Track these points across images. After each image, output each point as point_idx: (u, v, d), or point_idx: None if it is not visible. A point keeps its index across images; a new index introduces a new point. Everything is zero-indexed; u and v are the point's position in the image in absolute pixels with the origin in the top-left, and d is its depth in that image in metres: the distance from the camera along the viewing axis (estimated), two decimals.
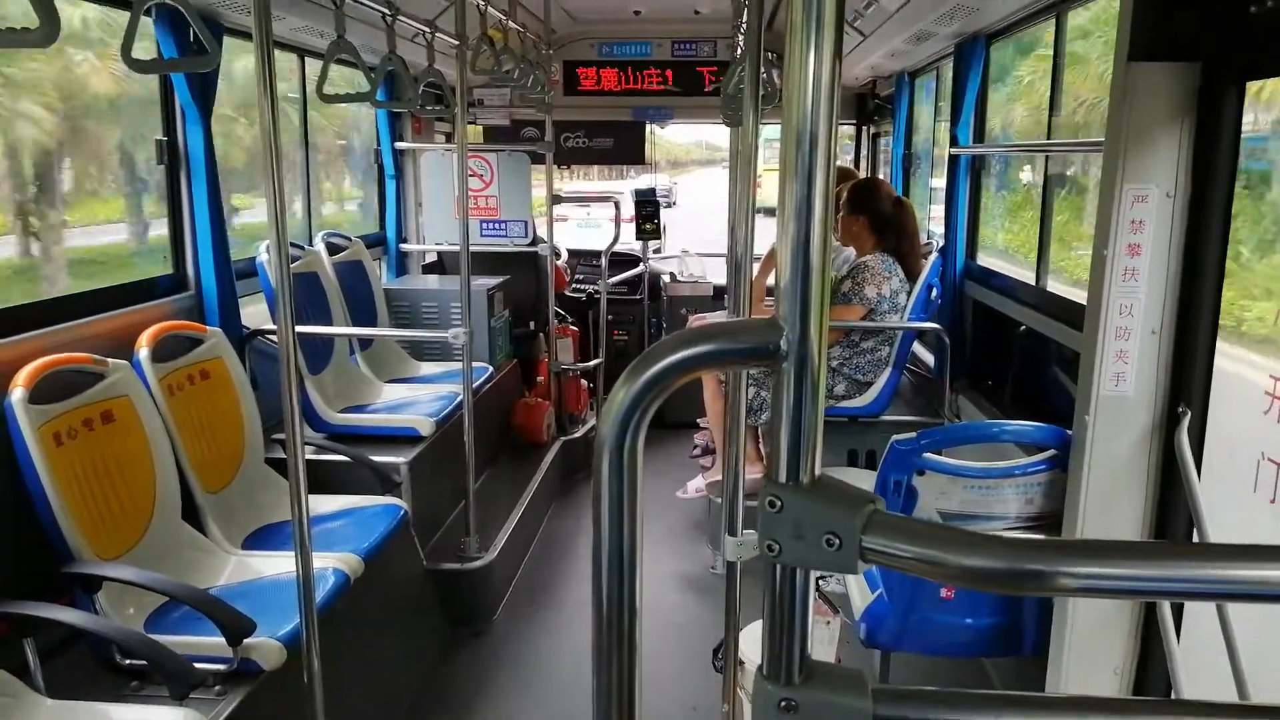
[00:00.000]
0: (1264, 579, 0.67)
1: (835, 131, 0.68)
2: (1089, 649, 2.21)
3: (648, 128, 6.39)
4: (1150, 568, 0.67)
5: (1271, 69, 1.86)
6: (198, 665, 2.15)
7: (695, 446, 4.97)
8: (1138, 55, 1.95)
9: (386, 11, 3.11)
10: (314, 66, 4.18)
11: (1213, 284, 1.98)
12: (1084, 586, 0.68)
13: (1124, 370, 2.09)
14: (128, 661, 2.24)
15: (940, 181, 4.62)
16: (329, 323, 3.96)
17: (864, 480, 3.01)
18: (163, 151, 3.24)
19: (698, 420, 5.00)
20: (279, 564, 2.68)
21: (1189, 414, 1.99)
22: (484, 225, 5.34)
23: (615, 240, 5.86)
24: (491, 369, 4.74)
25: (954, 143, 4.07)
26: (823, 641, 2.48)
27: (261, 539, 2.95)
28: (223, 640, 2.19)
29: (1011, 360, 3.72)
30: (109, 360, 2.58)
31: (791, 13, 0.66)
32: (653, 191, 6.43)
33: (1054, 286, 3.37)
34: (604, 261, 5.83)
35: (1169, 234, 2.02)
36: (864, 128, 6.52)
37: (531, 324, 5.59)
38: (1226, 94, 1.92)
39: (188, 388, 2.91)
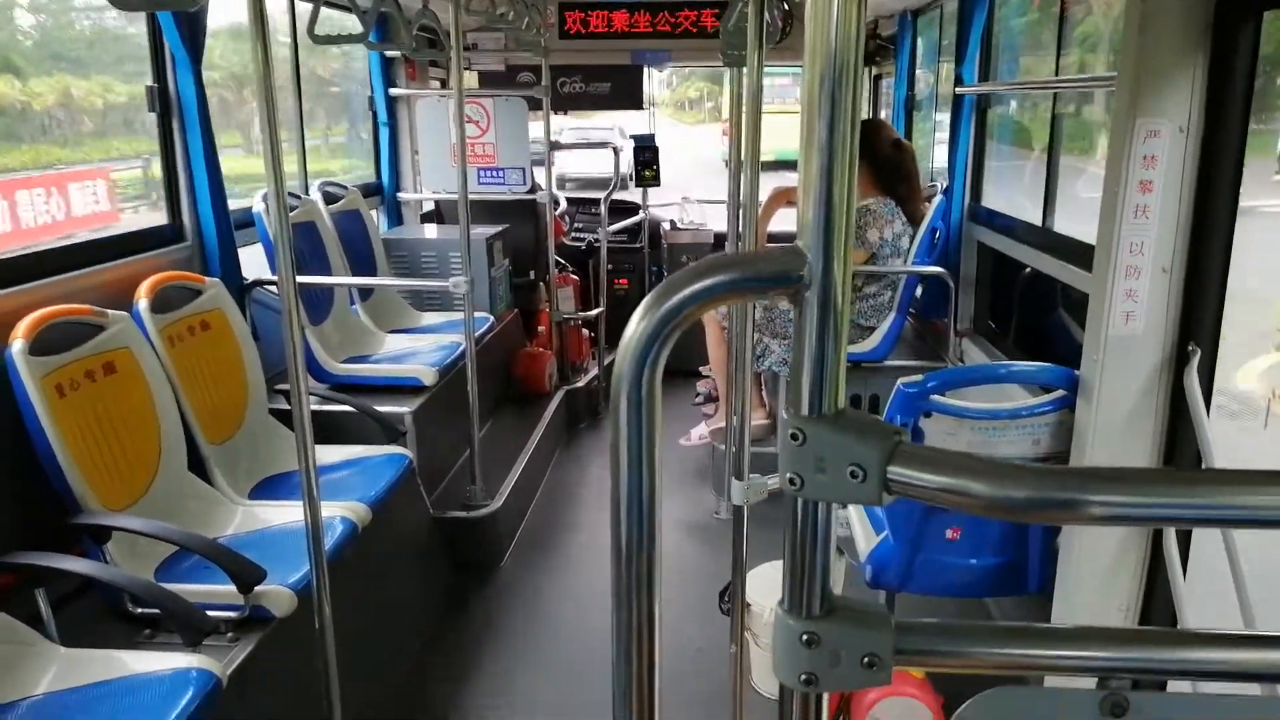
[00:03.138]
0: None
1: (860, 63, 0.66)
2: (1095, 586, 2.23)
3: (645, 71, 6.28)
4: (1177, 494, 0.66)
5: None
6: (210, 613, 2.16)
7: (698, 394, 4.97)
8: None
9: None
10: (304, 10, 4.09)
11: (1225, 222, 1.96)
12: (1113, 514, 0.67)
13: (1134, 309, 2.07)
14: (140, 610, 2.26)
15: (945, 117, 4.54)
16: (328, 273, 3.93)
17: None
18: (154, 98, 3.18)
19: (700, 368, 5.00)
20: (286, 514, 2.69)
21: (1199, 353, 1.98)
22: (481, 173, 5.27)
23: (614, 188, 5.79)
24: (492, 319, 4.72)
25: (959, 82, 4.00)
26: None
27: (268, 489, 2.95)
28: (233, 588, 2.20)
29: (1016, 303, 3.70)
30: (108, 312, 2.56)
31: None
32: (651, 138, 6.34)
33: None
34: (603, 209, 5.77)
35: (1181, 170, 1.99)
36: (866, 69, 6.41)
37: (531, 273, 5.56)
38: (1242, 25, 1.87)
39: (188, 339, 2.89)
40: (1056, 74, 3.47)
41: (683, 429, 4.71)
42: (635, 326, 0.71)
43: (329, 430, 3.32)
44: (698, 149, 22.68)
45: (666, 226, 6.51)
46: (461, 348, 3.84)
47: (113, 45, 3.65)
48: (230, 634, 2.22)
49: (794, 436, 0.70)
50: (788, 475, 0.71)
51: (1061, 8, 3.38)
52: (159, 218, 3.33)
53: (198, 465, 2.79)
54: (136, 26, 3.24)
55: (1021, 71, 4.27)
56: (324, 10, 2.82)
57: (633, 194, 6.37)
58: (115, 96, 3.60)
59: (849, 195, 0.67)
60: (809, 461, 0.70)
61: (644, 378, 0.71)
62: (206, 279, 3.09)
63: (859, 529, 2.66)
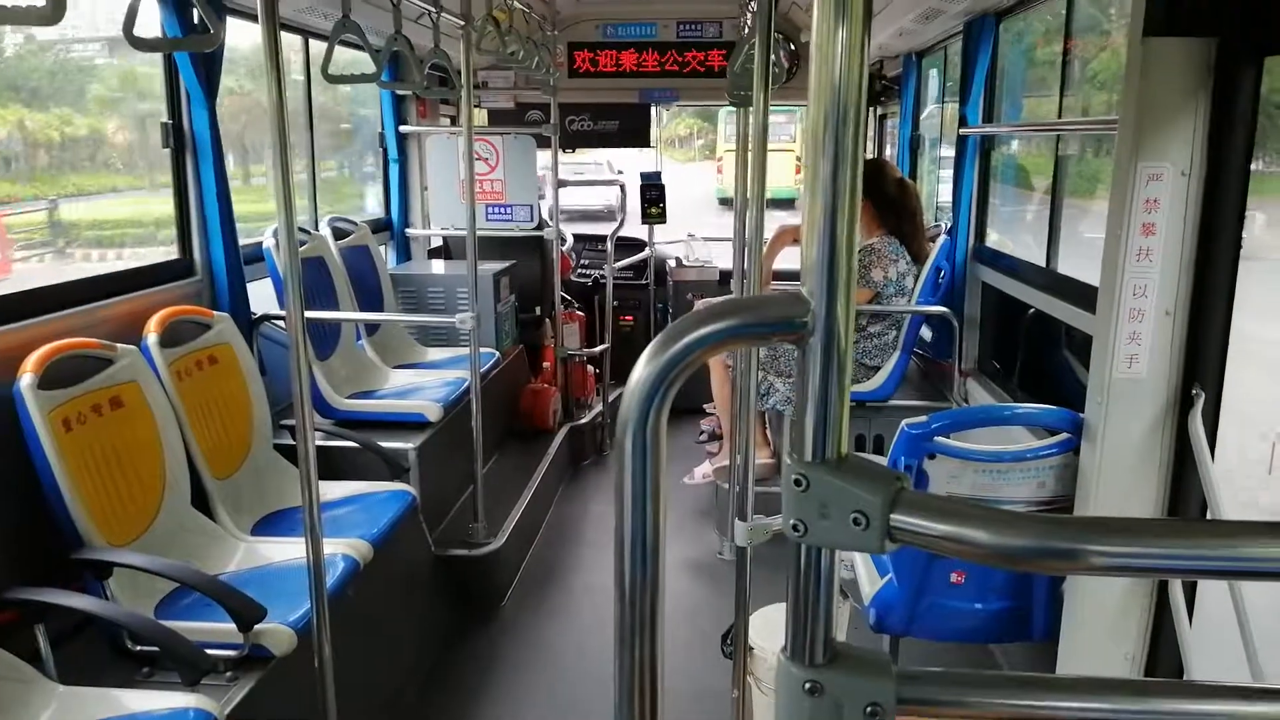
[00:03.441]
0: None
1: (864, 103, 0.67)
2: (1101, 633, 2.21)
3: (653, 110, 6.36)
4: (1179, 546, 0.66)
5: None
6: (209, 651, 2.15)
7: (702, 432, 4.96)
8: (1153, 30, 1.92)
9: None
10: (317, 48, 4.16)
11: (1228, 264, 1.97)
12: (1115, 564, 0.67)
13: (1137, 352, 2.07)
14: (139, 647, 2.25)
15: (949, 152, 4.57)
16: (335, 308, 3.95)
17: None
18: (168, 134, 3.23)
19: (704, 406, 4.99)
20: (288, 550, 2.68)
21: (1203, 396, 1.98)
22: (489, 209, 5.32)
23: (620, 224, 5.83)
24: (498, 354, 4.73)
25: (963, 123, 4.04)
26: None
27: (270, 525, 2.95)
28: (233, 626, 2.19)
29: (1021, 343, 3.70)
30: (117, 345, 2.57)
31: None
32: (658, 175, 6.39)
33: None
34: (609, 246, 5.81)
35: (1184, 213, 2.00)
36: (871, 109, 6.47)
37: (537, 309, 5.58)
38: (1243, 70, 1.89)
39: (196, 373, 2.90)
40: (1060, 116, 3.50)
41: (686, 467, 4.70)
42: (641, 371, 0.71)
43: (333, 466, 3.32)
44: (689, 187, 22.84)
45: (672, 264, 6.54)
46: (466, 383, 3.84)
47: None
48: (229, 673, 2.21)
49: (797, 482, 0.70)
50: (791, 521, 0.71)
51: (1065, 50, 3.42)
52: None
53: (201, 500, 2.79)
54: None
55: (1024, 113, 4.31)
56: (337, 49, 2.87)
57: (639, 231, 6.41)
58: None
59: (852, 237, 0.68)
60: (812, 508, 0.70)
61: (649, 421, 0.71)
62: (215, 313, 3.11)
63: (863, 572, 2.64)
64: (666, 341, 0.71)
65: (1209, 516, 1.96)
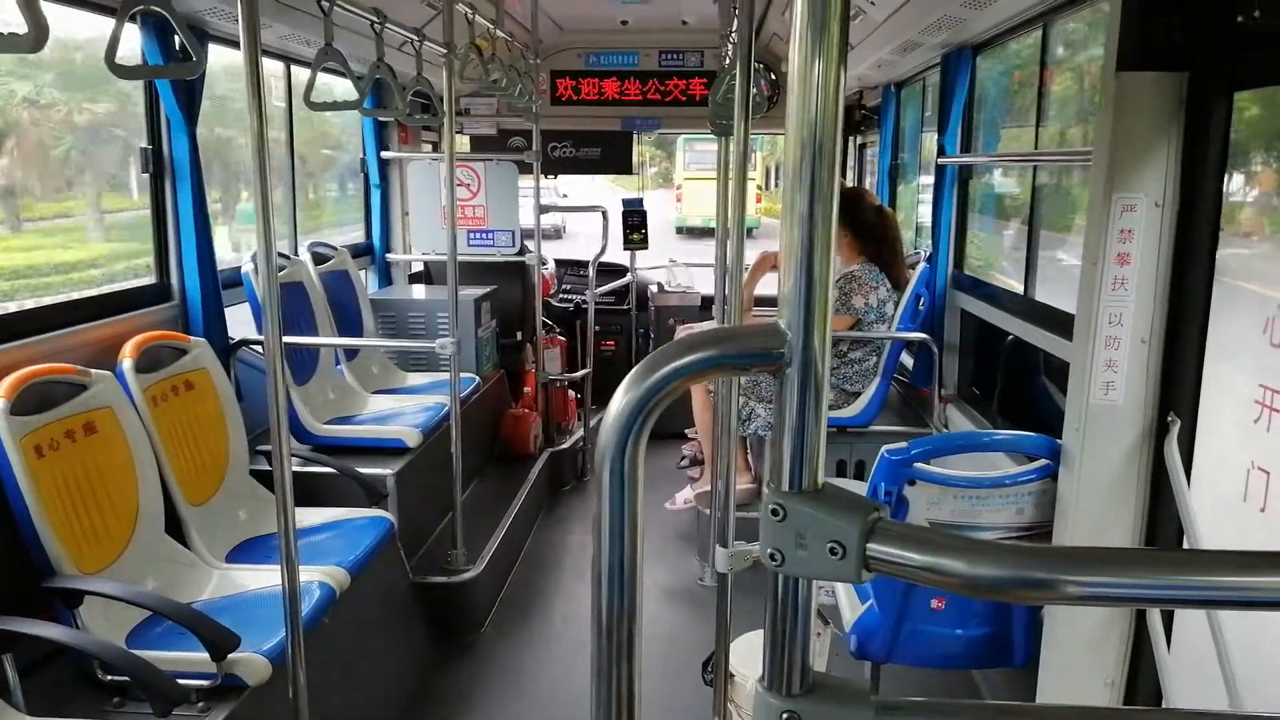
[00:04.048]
0: (1264, 585, 0.67)
1: (838, 138, 0.68)
2: (1080, 660, 2.21)
3: (635, 137, 6.41)
4: (1150, 575, 0.67)
5: (1258, 79, 1.87)
6: (181, 681, 2.11)
7: (683, 457, 4.96)
8: (1126, 65, 1.96)
9: (375, 19, 3.10)
10: (299, 75, 4.17)
11: (1201, 293, 1.99)
12: (1089, 594, 0.67)
13: (1113, 379, 2.09)
14: (110, 677, 2.20)
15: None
16: (314, 333, 3.93)
17: (854, 491, 3.00)
18: (148, 160, 3.22)
19: (685, 431, 4.99)
20: (264, 578, 2.65)
21: (1178, 423, 2.00)
22: (471, 235, 5.32)
23: (602, 250, 5.85)
24: (478, 379, 4.71)
25: (941, 153, 4.09)
26: (813, 654, 2.46)
27: (246, 552, 2.91)
28: (206, 655, 2.15)
29: (1000, 369, 3.73)
30: (92, 371, 2.54)
31: (794, 21, 0.66)
32: (640, 201, 6.43)
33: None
34: (591, 271, 5.82)
35: (1158, 243, 2.03)
36: (850, 138, 6.55)
37: (519, 334, 5.57)
38: (1214, 104, 1.93)
39: (172, 399, 2.87)
40: (1036, 146, 3.56)
41: (668, 492, 4.68)
42: (619, 400, 0.71)
43: (310, 492, 3.29)
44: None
45: (654, 289, 6.56)
46: (446, 409, 3.82)
47: None
48: (201, 703, 2.17)
49: (774, 512, 0.70)
50: (768, 550, 0.71)
51: (1040, 82, 3.48)
52: None
53: (176, 527, 2.76)
54: None
55: (1001, 143, 4.37)
56: (321, 76, 2.88)
57: (621, 256, 6.44)
58: None
59: (828, 269, 0.69)
60: (789, 537, 0.70)
61: (627, 451, 0.71)
62: (192, 339, 3.08)
63: (844, 598, 2.64)
64: (645, 372, 0.71)
65: (1185, 543, 1.97)
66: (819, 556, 0.68)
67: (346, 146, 5.47)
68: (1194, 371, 2.01)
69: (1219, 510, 1.96)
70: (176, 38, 2.81)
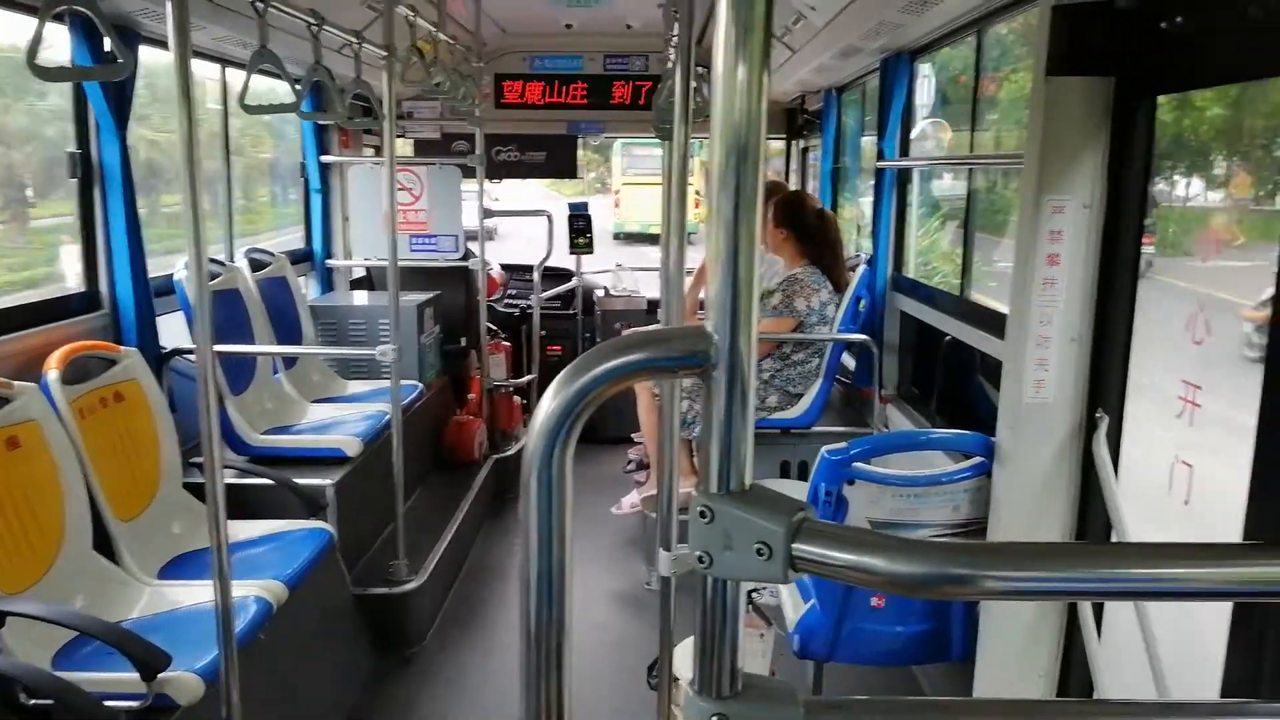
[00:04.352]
0: (1174, 576, 0.69)
1: (763, 143, 0.68)
2: (1015, 653, 2.26)
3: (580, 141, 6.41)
4: (1068, 569, 0.68)
5: (1180, 83, 1.94)
6: (109, 703, 2.05)
7: (630, 461, 4.96)
8: (1054, 70, 2.01)
9: (312, 21, 3.04)
10: (236, 77, 4.08)
11: (1127, 292, 2.05)
12: (1007, 589, 0.68)
13: (1044, 377, 2.14)
14: (33, 701, 2.12)
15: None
16: (251, 341, 3.84)
17: (797, 491, 3.02)
18: (75, 164, 3.12)
19: (632, 435, 4.99)
20: (198, 593, 2.58)
21: (1106, 419, 2.05)
22: (414, 240, 5.26)
23: (548, 255, 5.83)
24: (421, 386, 4.65)
25: (880, 156, 4.15)
26: (756, 655, 2.48)
27: (180, 567, 2.83)
28: (136, 676, 2.08)
29: (938, 369, 3.80)
30: (14, 383, 2.45)
31: (719, 25, 0.66)
32: (585, 206, 6.42)
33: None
34: (536, 276, 5.79)
35: (1085, 244, 2.08)
36: (793, 142, 6.62)
37: (463, 340, 5.52)
38: (1139, 107, 1.99)
39: (100, 411, 2.79)
40: (971, 150, 3.63)
41: (614, 497, 4.68)
42: (546, 406, 0.71)
43: (247, 504, 3.22)
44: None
45: (600, 293, 6.56)
46: (387, 417, 3.77)
47: None
48: None
49: (702, 514, 0.70)
50: (697, 553, 0.71)
51: (975, 87, 3.55)
52: None
53: (105, 544, 2.67)
54: None
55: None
56: (256, 77, 2.82)
57: (567, 260, 6.42)
58: None
59: (752, 272, 0.69)
60: (717, 539, 0.70)
61: (555, 456, 0.71)
62: (122, 348, 3.00)
63: (787, 599, 2.66)
64: (571, 376, 0.70)
65: (1114, 537, 2.03)
66: (746, 558, 0.68)
67: (290, 150, 5.37)
68: (1121, 369, 2.07)
69: (1146, 504, 2.02)
70: (106, 39, 2.74)
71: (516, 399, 5.72)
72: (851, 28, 3.60)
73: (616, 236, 20.94)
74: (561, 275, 6.51)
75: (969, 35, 3.45)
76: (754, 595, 2.69)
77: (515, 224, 6.38)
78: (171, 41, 1.85)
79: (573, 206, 6.33)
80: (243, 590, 2.47)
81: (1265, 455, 1.57)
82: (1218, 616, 1.69)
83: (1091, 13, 1.95)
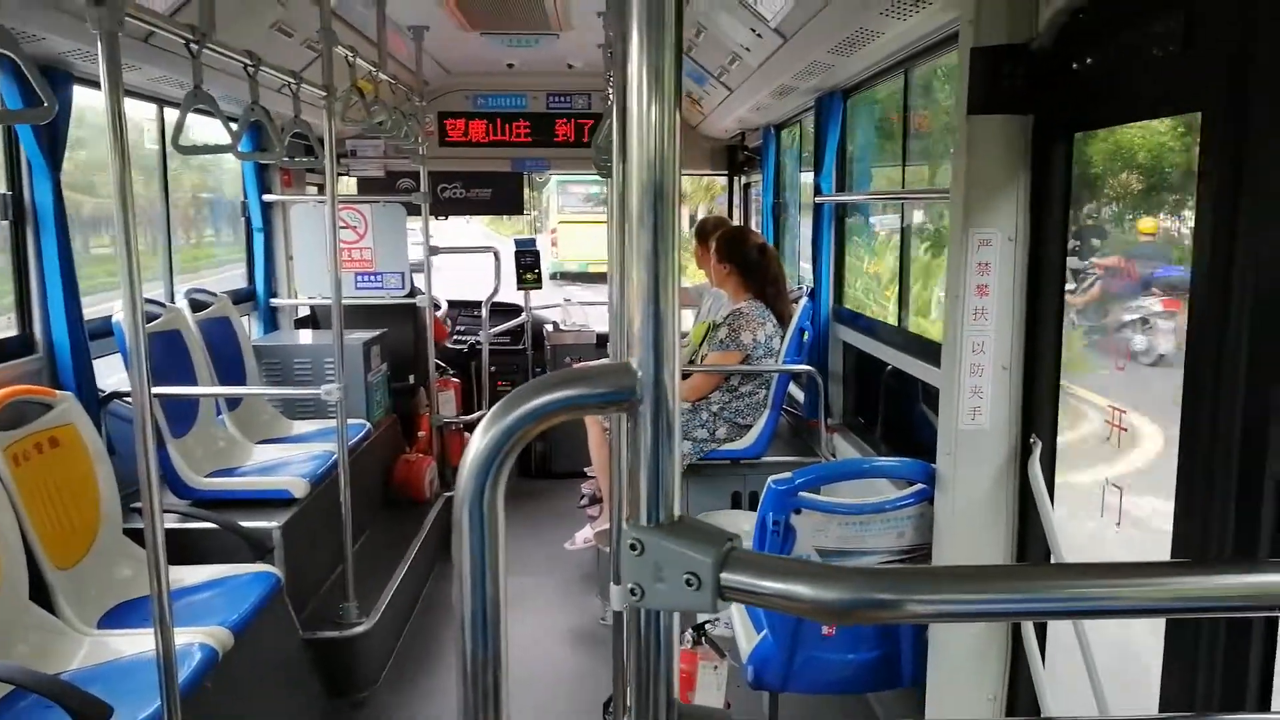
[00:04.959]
0: (1096, 595, 0.72)
1: (678, 179, 0.70)
2: (963, 677, 2.29)
3: (525, 178, 6.45)
4: (988, 591, 0.71)
5: (1095, 121, 2.03)
6: None
7: (583, 496, 4.94)
8: (976, 108, 2.09)
9: (248, 62, 3.04)
10: (174, 116, 4.04)
11: (1053, 320, 2.12)
12: (930, 612, 0.71)
13: (979, 405, 2.20)
14: None
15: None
16: (193, 383, 3.78)
17: (747, 522, 3.05)
18: (6, 206, 3.06)
19: (585, 470, 4.98)
20: (140, 642, 2.51)
21: (1039, 444, 2.11)
22: (359, 278, 5.23)
23: (496, 290, 5.83)
24: (369, 425, 4.60)
25: (817, 191, 4.24)
26: (710, 686, 2.48)
27: (120, 616, 2.76)
28: None
29: (881, 398, 3.87)
30: None
31: (630, 67, 0.69)
32: (532, 242, 6.45)
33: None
34: (485, 312, 5.79)
35: (1012, 275, 2.16)
36: (735, 178, 6.74)
37: (411, 377, 5.48)
38: (1056, 144, 2.07)
39: (35, 457, 2.72)
40: (903, 185, 3.73)
41: (569, 532, 4.66)
42: (476, 444, 0.72)
43: (191, 549, 3.15)
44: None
45: (549, 328, 6.57)
46: (334, 457, 3.73)
47: None
48: None
49: (633, 547, 0.72)
50: (629, 586, 0.72)
51: (904, 125, 3.66)
52: None
53: (43, 593, 2.59)
54: None
55: (874, 182, 4.56)
56: (199, 117, 2.80)
57: (515, 296, 6.43)
58: None
59: (673, 307, 0.71)
60: (648, 571, 0.71)
61: (485, 494, 0.72)
62: (58, 393, 2.93)
63: (740, 630, 2.67)
64: (500, 414, 0.72)
65: (1052, 558, 2.08)
66: (677, 588, 0.70)
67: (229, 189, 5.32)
68: (1051, 394, 2.13)
69: (1080, 526, 2.08)
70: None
71: (467, 435, 5.68)
72: (785, 68, 3.69)
73: (554, 276, 20.40)
74: (510, 311, 6.52)
75: (897, 74, 3.57)
76: (707, 627, 2.70)
77: (453, 259, 6.34)
78: (104, 82, 1.85)
79: (519, 243, 6.35)
80: (186, 637, 2.42)
81: (1187, 476, 1.63)
82: (1153, 635, 1.74)
83: (1009, 54, 2.04)
